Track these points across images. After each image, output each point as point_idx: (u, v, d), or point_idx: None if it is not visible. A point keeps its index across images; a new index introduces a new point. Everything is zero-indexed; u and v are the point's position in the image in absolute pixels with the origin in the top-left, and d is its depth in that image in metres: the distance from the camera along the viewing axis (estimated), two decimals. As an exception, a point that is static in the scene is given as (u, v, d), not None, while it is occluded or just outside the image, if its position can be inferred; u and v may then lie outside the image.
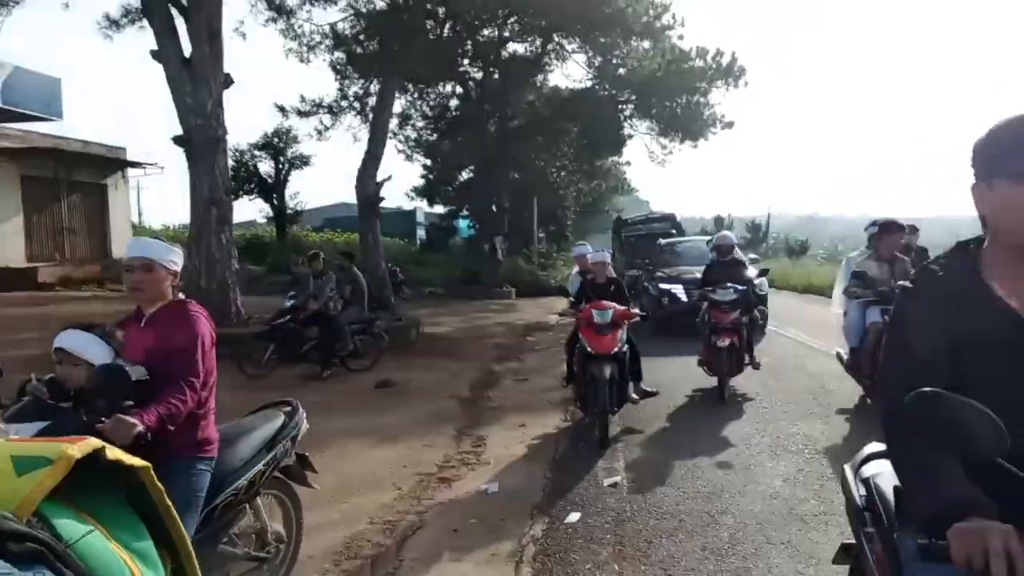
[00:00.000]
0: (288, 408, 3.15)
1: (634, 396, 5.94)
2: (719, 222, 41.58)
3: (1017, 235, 1.27)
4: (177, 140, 9.99)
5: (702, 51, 16.50)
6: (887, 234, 6.08)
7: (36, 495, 0.42)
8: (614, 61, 18.19)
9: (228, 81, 10.25)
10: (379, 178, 13.05)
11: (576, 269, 7.12)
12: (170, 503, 0.55)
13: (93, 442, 0.49)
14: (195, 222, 10.00)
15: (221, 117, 10.10)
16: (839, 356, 6.78)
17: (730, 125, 18.27)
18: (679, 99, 17.90)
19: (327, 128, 17.78)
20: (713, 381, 6.80)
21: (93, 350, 2.42)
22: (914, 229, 8.37)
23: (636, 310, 6.14)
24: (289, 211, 23.89)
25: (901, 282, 5.05)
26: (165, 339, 2.53)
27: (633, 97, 18.67)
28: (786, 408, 6.35)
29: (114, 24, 12.52)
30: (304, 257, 9.24)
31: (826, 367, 7.68)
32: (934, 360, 1.30)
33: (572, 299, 6.37)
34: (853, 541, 1.78)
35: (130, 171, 23.75)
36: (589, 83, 19.43)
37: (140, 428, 2.22)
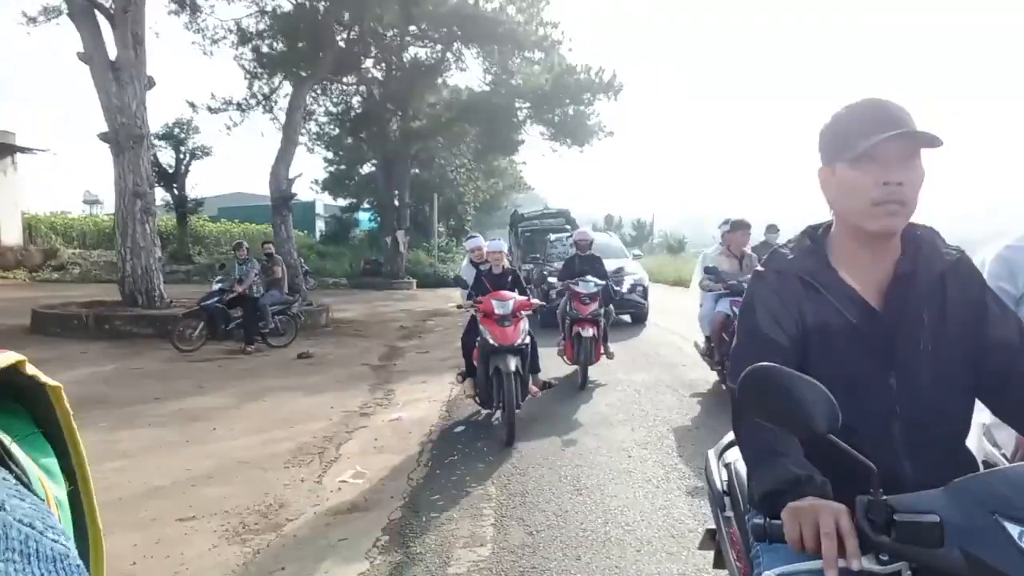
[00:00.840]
0: None
1: (534, 389, 5.84)
2: (609, 220, 44.61)
3: (855, 217, 1.29)
4: (102, 136, 10.86)
5: (586, 67, 18.60)
6: (735, 231, 6.63)
7: None
8: (511, 69, 19.96)
9: (151, 83, 11.20)
10: (291, 175, 14.20)
11: (466, 261, 6.91)
12: (74, 425, 0.55)
13: (12, 355, 0.49)
14: (119, 212, 10.91)
15: (144, 117, 11.05)
16: (696, 344, 7.29)
17: (611, 134, 20.57)
18: (567, 108, 19.93)
19: (236, 124, 18.58)
20: (570, 369, 7.34)
21: None
22: (775, 228, 9.18)
23: (536, 300, 6.00)
24: (190, 201, 24.22)
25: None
26: None
27: (527, 104, 20.53)
28: (640, 391, 6.81)
29: (31, 20, 13.02)
30: (233, 249, 10.37)
31: (685, 354, 8.42)
32: (780, 343, 1.32)
33: (470, 291, 6.07)
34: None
35: (19, 156, 23.42)
36: (488, 87, 21.10)
37: None
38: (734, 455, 1.71)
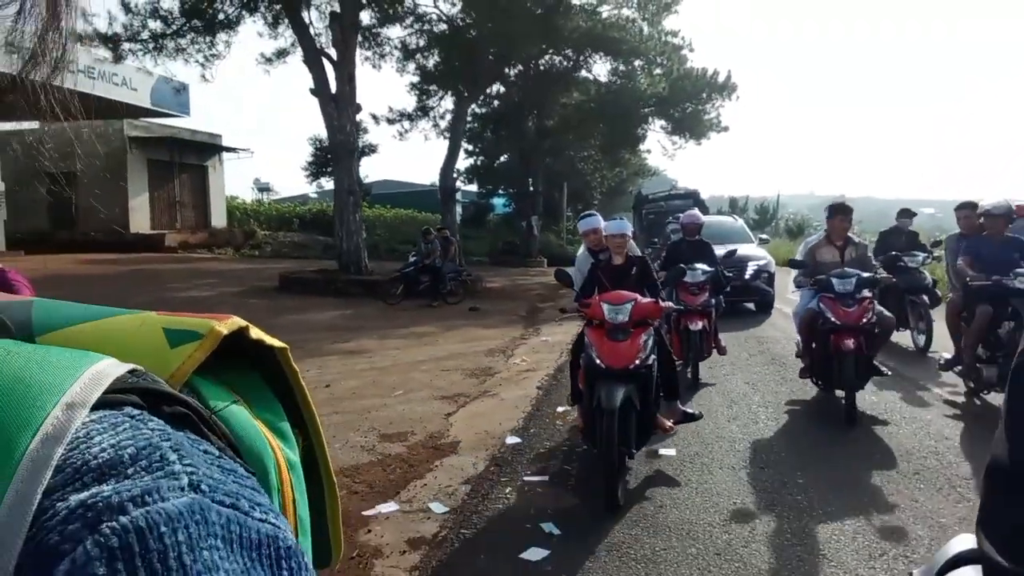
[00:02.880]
0: None
1: (667, 423, 4.51)
2: (733, 204, 46.06)
3: None
4: (326, 150, 15.18)
5: (703, 70, 21.29)
6: (834, 217, 5.95)
7: (188, 367, 0.45)
8: (634, 74, 23.02)
9: (359, 108, 15.40)
10: (452, 170, 18.20)
11: (582, 249, 5.75)
12: (304, 385, 0.56)
13: (237, 320, 0.49)
14: (338, 205, 15.22)
15: (356, 135, 15.28)
16: (797, 343, 6.53)
17: (726, 129, 23.16)
18: (686, 106, 22.73)
19: (407, 131, 22.97)
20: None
21: None
22: (909, 213, 8.96)
23: (669, 303, 4.88)
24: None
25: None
26: None
27: (652, 102, 23.53)
28: (744, 395, 6.25)
29: (268, 60, 17.71)
30: (421, 232, 14.33)
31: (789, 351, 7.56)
32: None
33: (578, 289, 4.90)
34: None
35: (224, 155, 29.15)
36: (614, 87, 24.22)
37: None
38: None
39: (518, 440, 4.96)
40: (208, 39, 16.00)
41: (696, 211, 8.06)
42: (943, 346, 7.19)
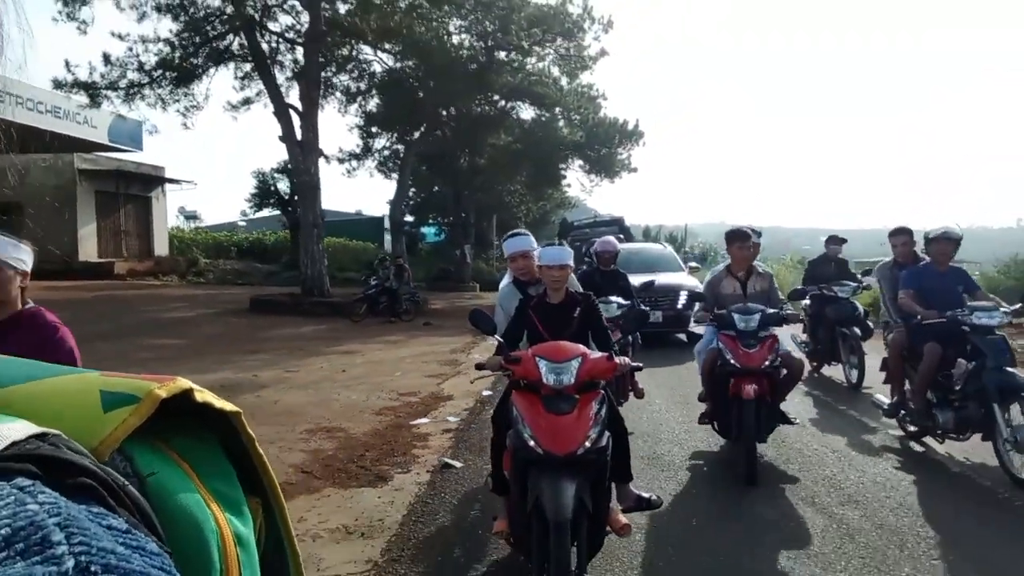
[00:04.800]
0: None
1: (622, 519, 3.37)
2: (647, 233, 50.34)
3: None
4: (292, 188, 17.76)
5: (615, 120, 25.04)
6: (731, 244, 5.41)
7: (120, 432, 0.42)
8: (556, 119, 26.52)
9: (321, 153, 18.10)
10: (400, 206, 21.02)
11: (508, 278, 4.35)
12: (261, 452, 0.53)
13: (182, 382, 0.48)
14: (303, 236, 17.78)
15: (317, 175, 17.93)
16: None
17: (635, 170, 26.97)
18: (600, 150, 26.38)
19: (354, 170, 25.66)
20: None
21: None
22: (838, 239, 8.78)
23: (625, 359, 3.36)
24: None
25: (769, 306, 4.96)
26: (25, 354, 2.68)
27: (571, 145, 27.08)
28: (650, 447, 5.42)
29: (234, 108, 20.16)
30: (377, 260, 17.04)
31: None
32: None
33: (500, 337, 3.56)
34: None
35: (168, 186, 30.92)
36: (539, 131, 27.65)
37: None
38: None
39: (491, 393, 7.86)
40: (185, 91, 18.38)
41: (611, 238, 7.35)
42: (875, 380, 6.86)
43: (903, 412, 5.80)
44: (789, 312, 5.43)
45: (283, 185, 30.53)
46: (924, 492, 4.66)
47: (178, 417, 0.50)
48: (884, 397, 6.15)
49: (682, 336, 11.92)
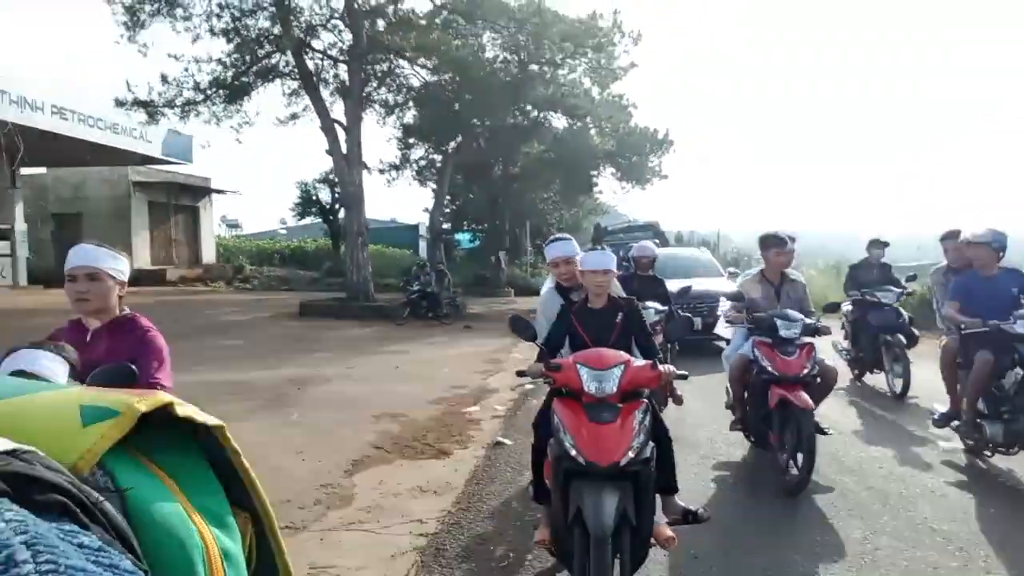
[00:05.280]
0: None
1: (667, 532, 3.23)
2: (679, 238, 50.68)
3: None
4: (337, 199, 18.84)
5: (645, 128, 25.80)
6: (767, 250, 5.36)
7: (100, 447, 0.42)
8: (588, 128, 27.37)
9: (365, 165, 19.16)
10: (439, 215, 22.03)
11: (550, 283, 4.37)
12: (247, 465, 0.53)
13: (163, 396, 0.48)
14: (348, 245, 18.83)
15: (362, 187, 18.98)
16: (727, 390, 5.85)
17: (665, 177, 27.71)
18: (631, 158, 27.16)
19: (394, 179, 26.82)
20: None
21: (53, 369, 2.08)
22: (881, 244, 8.53)
23: (670, 367, 3.30)
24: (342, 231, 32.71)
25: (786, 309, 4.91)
26: (124, 356, 2.51)
27: (602, 154, 27.90)
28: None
29: (282, 123, 21.40)
30: (418, 267, 18.05)
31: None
32: None
33: (542, 343, 3.67)
34: None
35: (214, 196, 32.41)
36: (571, 140, 28.52)
37: None
38: None
39: (533, 386, 8.70)
40: (236, 107, 19.60)
41: (648, 243, 7.44)
42: (922, 390, 6.80)
43: (956, 423, 5.53)
44: (823, 325, 5.25)
45: (324, 195, 31.81)
46: (976, 504, 4.55)
47: (164, 431, 0.50)
48: (941, 406, 5.83)
49: (721, 344, 10.93)
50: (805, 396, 4.68)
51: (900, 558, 3.80)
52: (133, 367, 2.31)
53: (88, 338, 2.59)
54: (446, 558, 3.90)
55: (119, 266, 2.63)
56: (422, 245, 51.74)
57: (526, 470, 5.35)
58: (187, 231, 31.42)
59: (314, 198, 31.62)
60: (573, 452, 2.92)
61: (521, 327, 3.68)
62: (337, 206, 31.98)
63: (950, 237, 6.18)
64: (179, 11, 17.99)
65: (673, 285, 7.27)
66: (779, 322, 4.95)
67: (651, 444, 3.04)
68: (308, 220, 34.19)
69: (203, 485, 0.51)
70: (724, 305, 5.91)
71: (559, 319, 3.68)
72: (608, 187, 31.56)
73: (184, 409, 0.50)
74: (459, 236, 44.75)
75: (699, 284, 9.68)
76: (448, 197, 39.60)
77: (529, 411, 7.04)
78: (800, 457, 4.59)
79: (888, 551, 3.88)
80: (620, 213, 54.99)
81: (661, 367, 3.19)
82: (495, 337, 14.77)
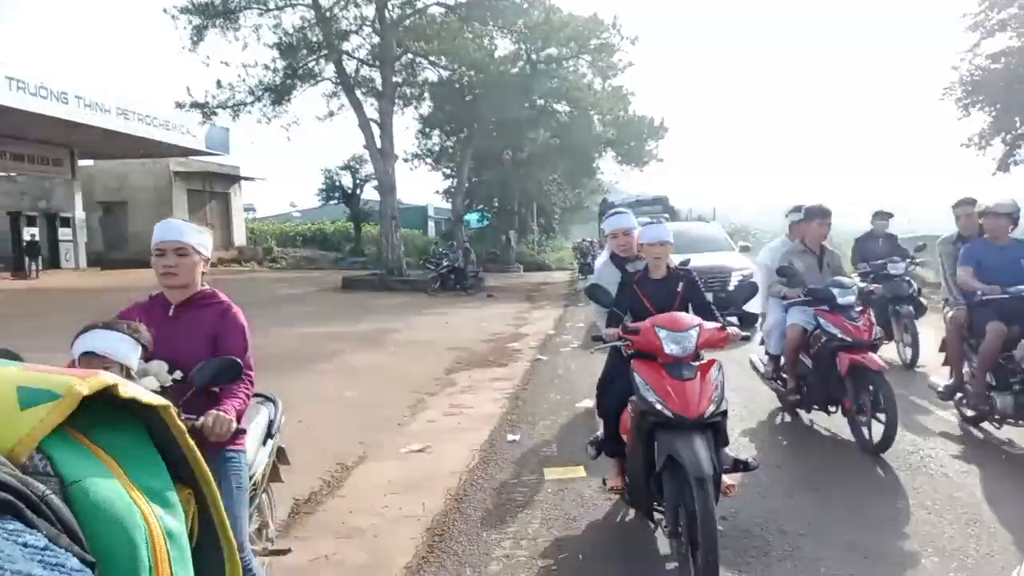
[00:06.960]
0: (269, 401, 3.17)
1: (727, 480, 3.58)
2: (676, 215, 53.55)
3: None
4: (375, 187, 21.95)
5: (642, 117, 28.85)
6: (811, 221, 5.52)
7: (37, 432, 0.41)
8: (591, 116, 30.35)
9: (396, 157, 22.24)
10: (460, 199, 25.17)
11: (606, 255, 4.65)
12: (192, 443, 0.54)
13: (105, 378, 0.47)
14: (383, 225, 21.97)
15: (394, 176, 22.06)
16: (752, 363, 6.22)
17: (661, 160, 30.76)
18: (631, 143, 30.21)
19: (415, 167, 29.87)
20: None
21: (124, 349, 2.21)
22: (886, 215, 8.53)
23: (735, 329, 3.73)
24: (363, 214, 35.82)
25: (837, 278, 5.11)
26: (206, 331, 2.60)
27: (604, 140, 30.92)
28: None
29: (321, 120, 24.46)
30: (446, 246, 21.20)
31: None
32: None
33: (612, 308, 3.85)
34: None
35: (243, 182, 35.46)
36: (574, 127, 31.51)
37: (235, 424, 2.34)
38: None
39: (553, 332, 11.85)
40: (283, 108, 22.67)
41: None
42: (930, 359, 7.03)
43: (960, 395, 5.53)
44: (871, 287, 5.62)
45: (347, 180, 34.86)
46: (981, 476, 4.58)
47: (105, 410, 0.49)
48: (940, 379, 5.87)
49: (732, 319, 12.68)
50: (876, 358, 4.92)
51: (915, 526, 3.87)
52: (239, 360, 2.40)
53: (171, 312, 2.64)
54: (518, 413, 7.06)
55: (204, 241, 2.68)
56: (431, 225, 54.95)
57: (559, 369, 8.58)
58: (221, 216, 34.48)
59: (337, 184, 34.67)
60: (659, 406, 3.19)
61: (601, 294, 3.85)
62: (359, 191, 35.13)
63: (963, 204, 6.00)
64: (234, 24, 20.98)
65: (675, 259, 8.05)
66: (835, 291, 5.15)
67: (725, 399, 3.32)
68: (331, 204, 37.23)
69: (145, 464, 0.51)
70: (762, 276, 6.16)
71: (621, 288, 3.92)
72: (608, 169, 34.83)
73: (126, 391, 0.50)
74: (468, 216, 47.87)
75: (706, 259, 9.77)
76: (455, 179, 42.82)
77: (553, 347, 10.25)
78: (883, 416, 4.77)
79: (899, 520, 3.96)
80: (620, 191, 58.01)
81: (729, 329, 3.58)
82: (515, 303, 17.96)
